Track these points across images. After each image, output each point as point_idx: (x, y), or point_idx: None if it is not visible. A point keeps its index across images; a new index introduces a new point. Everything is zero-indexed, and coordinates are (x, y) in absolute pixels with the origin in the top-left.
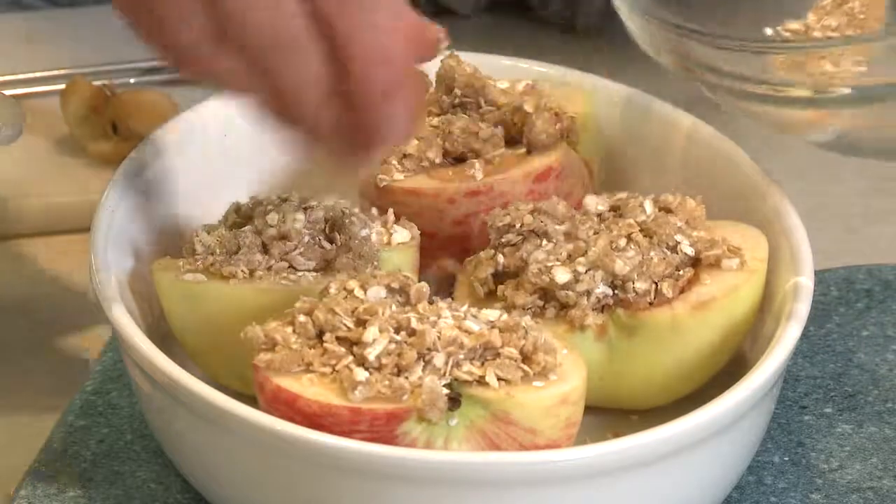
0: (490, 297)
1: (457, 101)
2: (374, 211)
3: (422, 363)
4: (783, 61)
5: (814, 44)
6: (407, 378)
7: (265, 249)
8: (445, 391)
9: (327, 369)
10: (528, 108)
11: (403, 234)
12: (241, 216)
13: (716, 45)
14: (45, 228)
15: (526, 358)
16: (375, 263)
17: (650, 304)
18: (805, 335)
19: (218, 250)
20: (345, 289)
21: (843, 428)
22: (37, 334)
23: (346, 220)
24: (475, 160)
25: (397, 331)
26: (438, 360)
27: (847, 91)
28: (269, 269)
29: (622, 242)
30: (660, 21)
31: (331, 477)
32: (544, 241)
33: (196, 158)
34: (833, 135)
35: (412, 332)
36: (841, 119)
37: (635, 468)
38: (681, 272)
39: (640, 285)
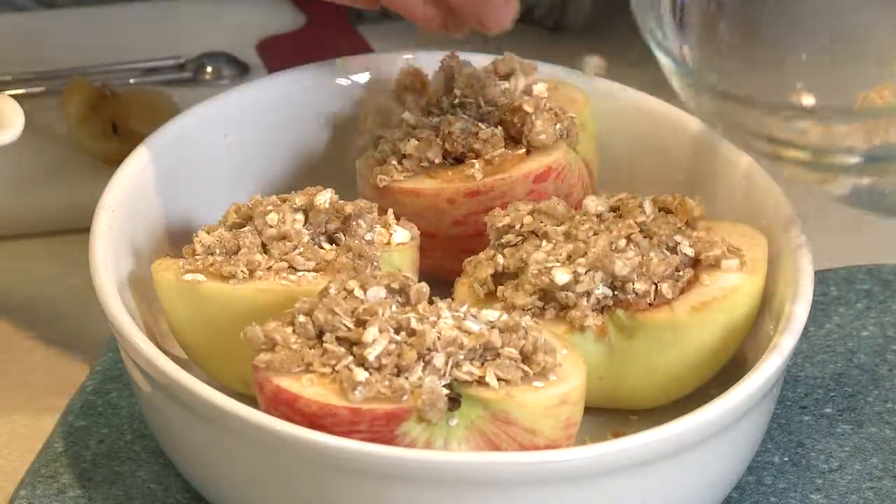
0: (490, 298)
1: (457, 101)
2: (374, 211)
3: (422, 363)
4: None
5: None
6: (407, 378)
7: (265, 249)
8: (445, 391)
9: (327, 369)
10: (528, 108)
11: (403, 234)
12: (241, 216)
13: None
14: (46, 228)
15: (526, 358)
16: (375, 263)
17: (650, 304)
18: (805, 335)
19: (218, 250)
20: (345, 289)
21: (843, 428)
22: (37, 334)
23: (353, 223)
24: (475, 160)
25: (397, 331)
26: (438, 360)
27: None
28: (269, 269)
29: (622, 243)
30: (710, 91)
31: (331, 477)
32: (544, 242)
33: (196, 158)
34: (847, 189)
35: (412, 333)
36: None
37: (635, 468)
38: (680, 273)
39: (640, 286)
